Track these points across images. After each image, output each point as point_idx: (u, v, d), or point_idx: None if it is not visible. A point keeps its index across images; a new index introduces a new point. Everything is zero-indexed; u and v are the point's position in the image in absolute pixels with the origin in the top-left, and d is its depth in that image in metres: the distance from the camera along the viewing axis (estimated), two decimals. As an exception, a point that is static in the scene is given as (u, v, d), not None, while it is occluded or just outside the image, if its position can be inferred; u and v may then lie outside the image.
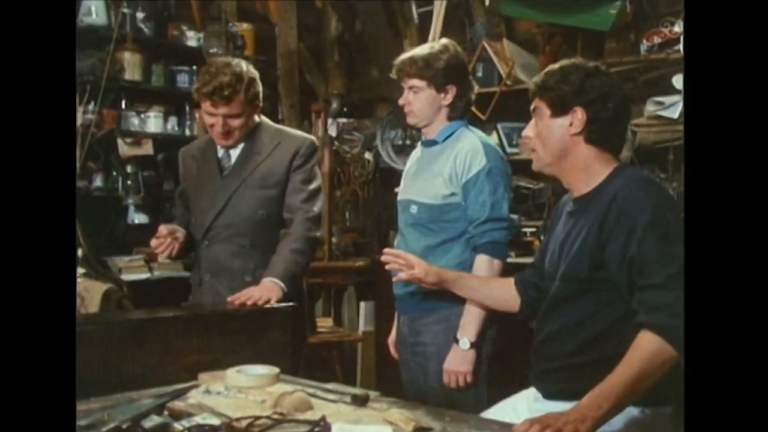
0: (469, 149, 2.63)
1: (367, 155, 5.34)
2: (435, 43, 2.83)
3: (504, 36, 4.78)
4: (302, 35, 5.85)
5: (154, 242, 2.78)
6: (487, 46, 4.51)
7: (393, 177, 4.87)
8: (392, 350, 2.95)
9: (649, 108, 3.90)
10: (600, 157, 2.04)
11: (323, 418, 1.65)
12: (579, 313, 2.02)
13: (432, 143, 2.76)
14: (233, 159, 2.88)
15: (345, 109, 5.76)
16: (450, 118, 2.73)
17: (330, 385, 1.98)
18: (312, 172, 2.90)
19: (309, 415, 1.71)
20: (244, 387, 1.93)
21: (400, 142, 5.09)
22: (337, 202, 5.38)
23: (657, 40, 4.02)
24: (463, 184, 2.61)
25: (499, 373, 2.69)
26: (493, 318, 2.58)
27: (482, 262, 2.58)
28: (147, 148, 4.70)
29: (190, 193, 2.96)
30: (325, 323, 4.44)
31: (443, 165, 2.66)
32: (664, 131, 3.80)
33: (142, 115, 4.76)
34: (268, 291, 2.58)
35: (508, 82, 4.45)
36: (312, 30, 5.99)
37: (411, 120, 2.77)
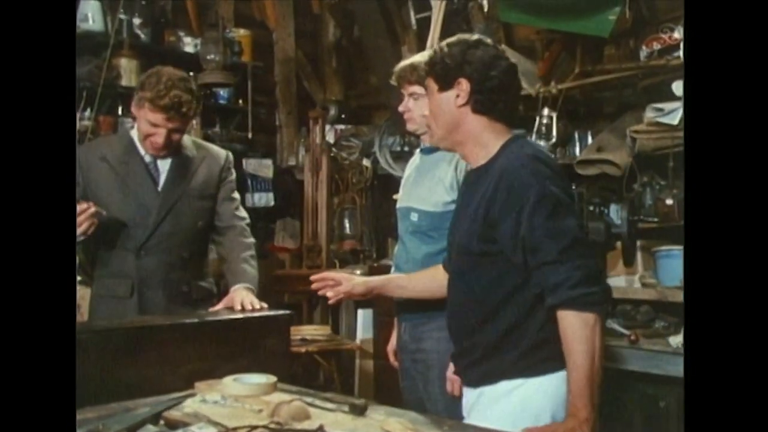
0: None
1: (365, 162, 5.32)
2: None
3: (503, 42, 4.76)
4: (300, 42, 5.85)
5: (78, 209, 2.59)
6: (485, 53, 4.48)
7: (391, 184, 4.85)
8: (391, 358, 2.92)
9: (649, 114, 3.87)
10: (490, 127, 2.09)
11: (321, 428, 1.63)
12: (477, 284, 2.08)
13: (431, 150, 2.74)
14: (163, 170, 2.87)
15: (343, 116, 5.75)
16: None
17: (328, 394, 1.96)
18: (234, 183, 3.04)
19: (306, 425, 1.69)
20: (241, 396, 1.91)
21: (399, 149, 5.07)
22: (335, 209, 5.35)
23: (656, 46, 3.99)
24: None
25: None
26: None
27: None
28: (143, 155, 4.68)
29: (105, 199, 2.78)
30: (322, 331, 4.40)
31: (444, 172, 2.64)
32: (664, 138, 3.77)
33: (139, 122, 4.74)
34: (251, 296, 2.66)
35: (507, 89, 4.40)
36: (309, 36, 5.99)
37: (411, 127, 2.76)
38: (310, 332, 4.28)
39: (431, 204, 2.65)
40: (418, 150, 2.92)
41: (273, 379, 2.01)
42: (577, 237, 1.93)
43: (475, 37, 2.15)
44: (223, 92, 5.19)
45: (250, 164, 5.44)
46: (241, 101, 5.30)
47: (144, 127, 2.77)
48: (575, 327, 1.88)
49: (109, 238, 2.81)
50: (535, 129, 4.30)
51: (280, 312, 2.56)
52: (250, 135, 5.32)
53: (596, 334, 1.89)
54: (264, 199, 5.48)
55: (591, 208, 4.24)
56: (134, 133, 2.90)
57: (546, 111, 4.26)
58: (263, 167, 5.51)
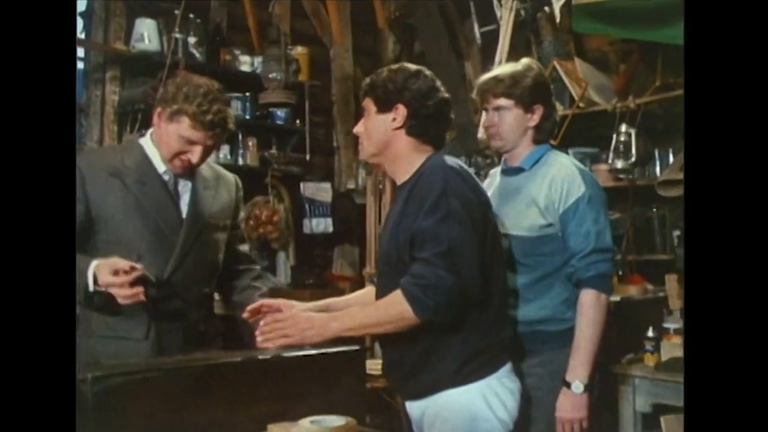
0: (565, 175, 2.45)
1: (429, 184, 5.11)
2: (516, 63, 2.65)
3: (573, 54, 4.55)
4: (358, 58, 5.66)
5: (118, 281, 2.21)
6: (558, 66, 4.27)
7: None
8: None
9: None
10: (418, 148, 2.23)
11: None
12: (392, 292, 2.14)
13: (517, 171, 2.57)
14: (184, 192, 2.53)
15: (403, 136, 5.55)
16: (536, 142, 2.55)
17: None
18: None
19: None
20: (319, 440, 1.76)
21: (464, 170, 4.86)
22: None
23: (746, 55, 3.74)
24: (561, 213, 2.42)
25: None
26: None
27: (589, 297, 2.38)
28: (199, 177, 4.55)
29: (118, 224, 2.44)
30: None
31: (537, 193, 2.47)
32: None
33: (194, 144, 4.61)
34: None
35: (581, 105, 4.19)
36: (368, 53, 5.80)
37: (496, 143, 2.58)
38: (375, 368, 4.04)
39: (525, 228, 2.46)
40: (495, 171, 2.73)
41: (353, 421, 1.88)
42: (453, 248, 2.00)
43: (416, 68, 2.28)
44: (280, 112, 5.04)
45: (308, 188, 5.26)
46: (298, 121, 5.15)
47: (176, 143, 2.43)
48: (393, 304, 2.04)
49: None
50: (612, 147, 4.09)
51: (354, 347, 2.35)
52: (308, 156, 5.15)
53: (398, 323, 2.05)
54: (322, 224, 5.28)
55: (676, 233, 4.00)
56: (146, 145, 2.54)
57: (624, 128, 4.05)
58: (321, 191, 5.32)
